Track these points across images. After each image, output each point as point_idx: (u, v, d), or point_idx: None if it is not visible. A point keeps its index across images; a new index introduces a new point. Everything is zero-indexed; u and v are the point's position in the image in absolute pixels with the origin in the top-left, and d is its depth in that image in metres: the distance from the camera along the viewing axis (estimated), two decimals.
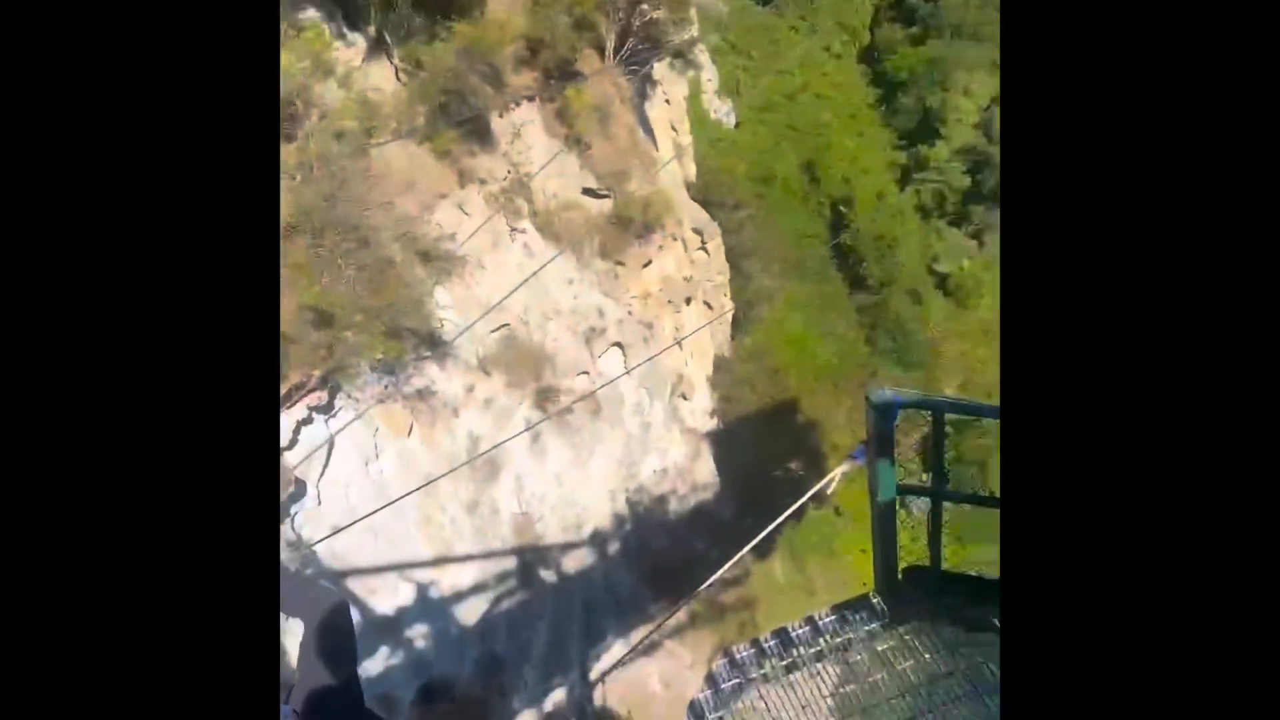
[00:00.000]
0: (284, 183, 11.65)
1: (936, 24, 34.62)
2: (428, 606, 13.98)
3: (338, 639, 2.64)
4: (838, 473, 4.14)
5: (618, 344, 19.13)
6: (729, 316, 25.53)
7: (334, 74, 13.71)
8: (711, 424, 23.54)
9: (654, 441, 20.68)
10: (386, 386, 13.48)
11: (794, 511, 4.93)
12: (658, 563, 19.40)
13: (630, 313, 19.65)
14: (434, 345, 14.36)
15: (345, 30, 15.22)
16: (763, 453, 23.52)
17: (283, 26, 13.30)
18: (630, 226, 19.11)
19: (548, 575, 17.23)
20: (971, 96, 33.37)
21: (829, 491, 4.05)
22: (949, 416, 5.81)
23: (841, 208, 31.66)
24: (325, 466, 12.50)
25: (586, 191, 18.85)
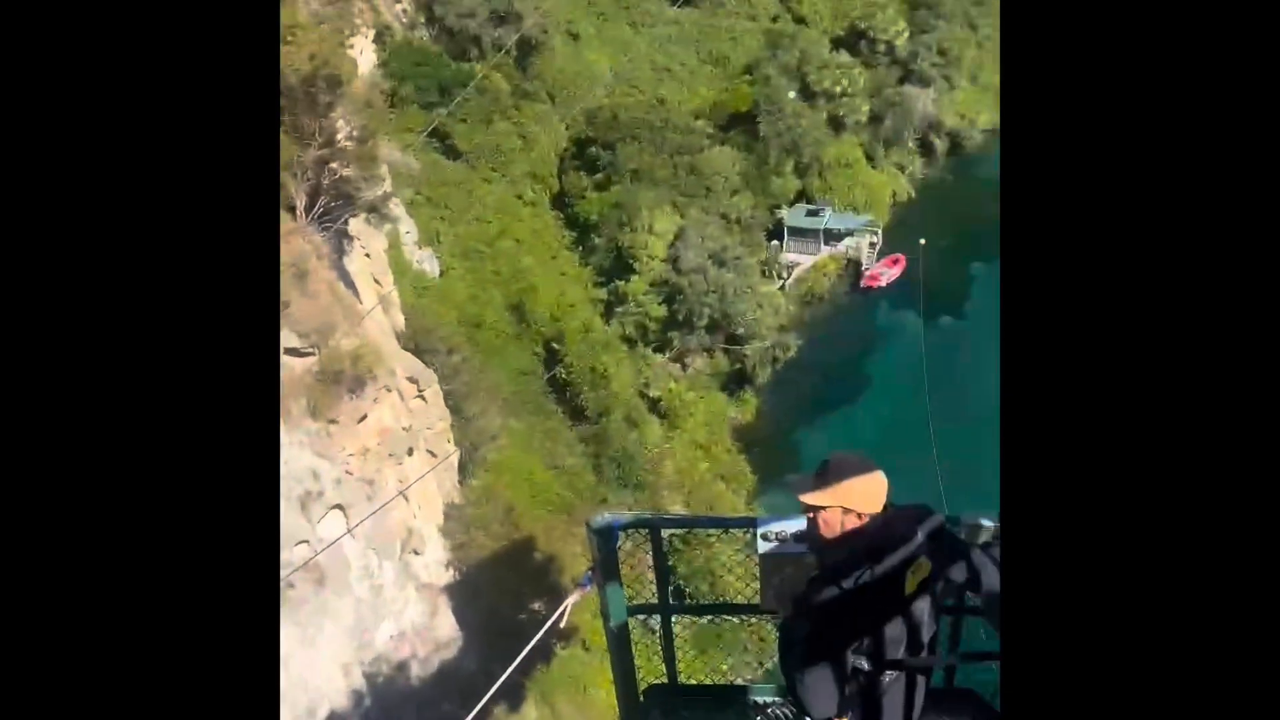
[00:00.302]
0: None
1: (617, 170, 37.57)
2: None
3: None
4: (568, 604, 4.20)
5: (338, 506, 18.15)
6: (454, 461, 25.17)
7: None
8: (448, 576, 22.75)
9: (388, 604, 19.58)
10: None
11: (538, 653, 4.90)
12: None
13: (349, 471, 18.80)
14: None
15: None
16: (504, 597, 22.99)
17: None
18: (341, 381, 18.52)
19: None
20: (657, 234, 36.28)
21: (562, 624, 4.09)
22: (675, 532, 6.04)
23: (553, 344, 32.74)
24: None
25: (289, 351, 18.11)
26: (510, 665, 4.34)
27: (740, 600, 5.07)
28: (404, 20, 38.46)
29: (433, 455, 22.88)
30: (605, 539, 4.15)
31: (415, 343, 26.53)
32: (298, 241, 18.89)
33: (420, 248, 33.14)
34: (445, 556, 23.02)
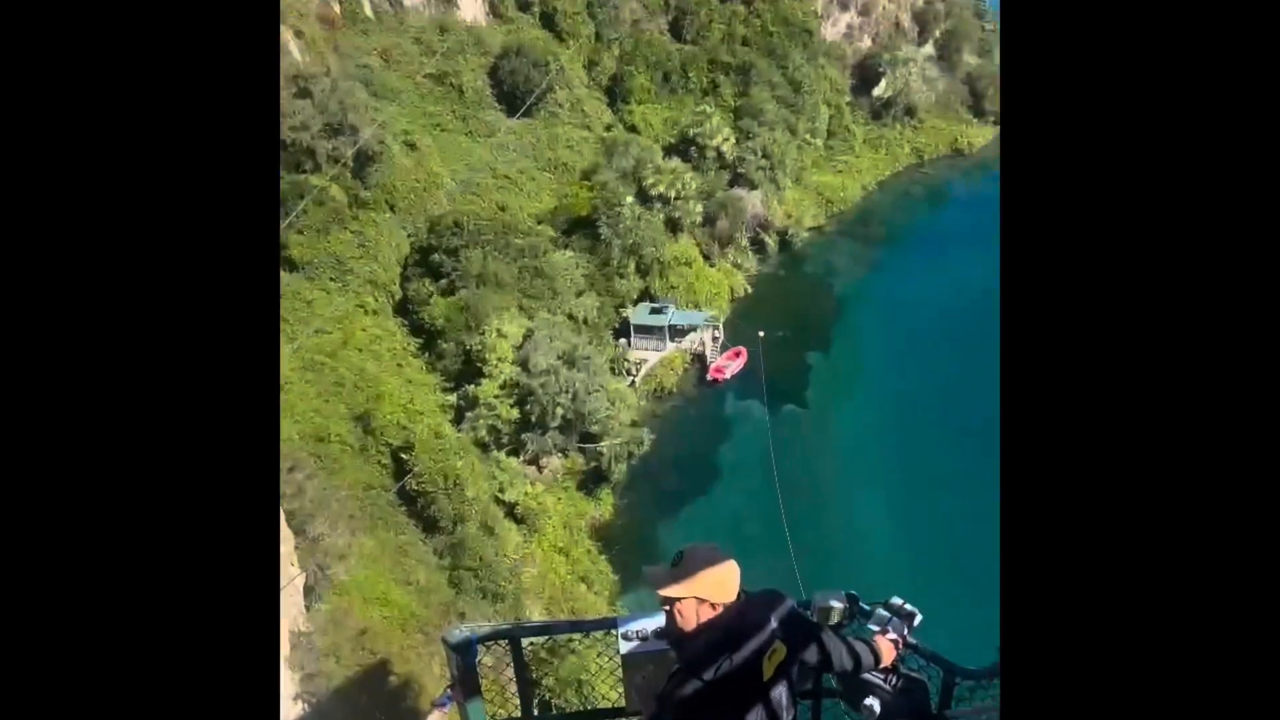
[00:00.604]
0: None
1: (462, 275, 37.61)
2: None
3: None
4: None
5: None
6: (299, 585, 23.78)
7: None
8: (297, 710, 21.23)
9: None
10: None
11: None
12: None
13: None
14: None
15: None
16: None
17: None
18: None
19: None
20: (506, 336, 36.30)
21: None
22: (539, 642, 5.93)
23: (402, 454, 31.81)
24: None
25: None
26: None
27: (608, 706, 4.99)
28: None
29: None
30: (464, 654, 4.04)
31: None
32: None
33: None
34: (293, 690, 21.50)
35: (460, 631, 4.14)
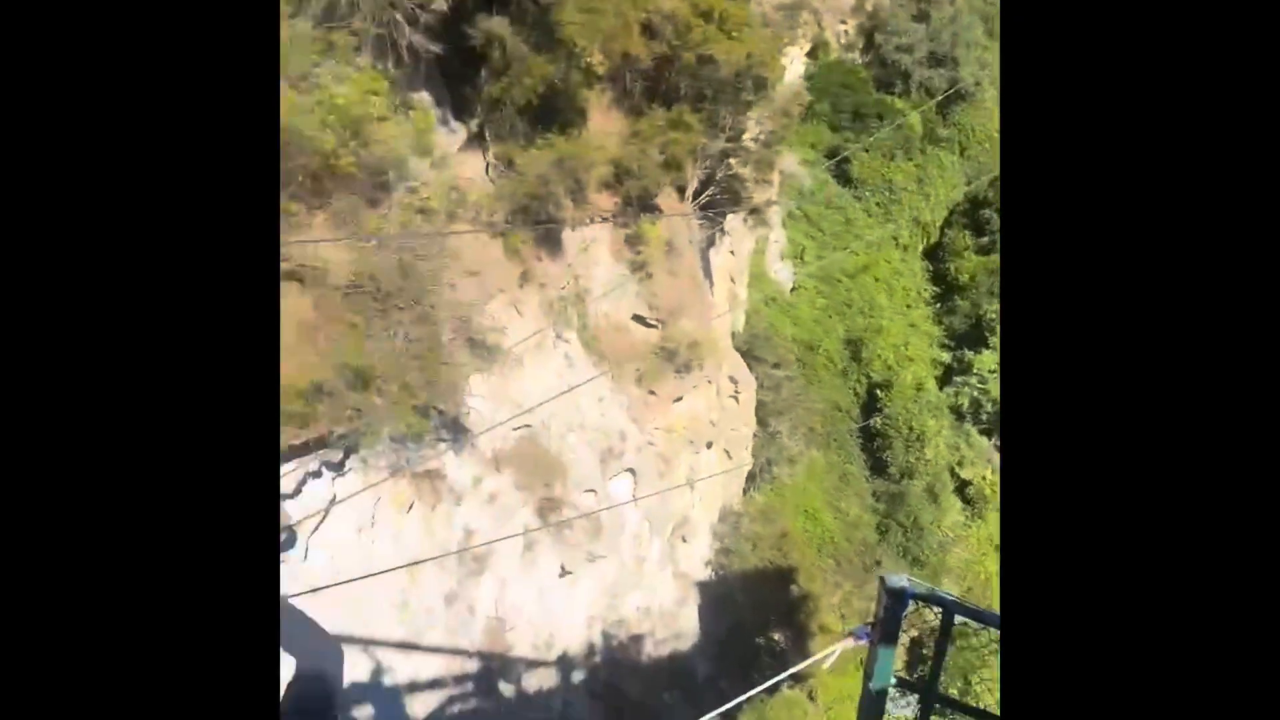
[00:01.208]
0: (359, 246, 12.10)
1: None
2: (380, 688, 13.59)
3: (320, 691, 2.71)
4: (839, 647, 4.08)
5: (631, 470, 19.09)
6: (745, 470, 25.45)
7: (430, 155, 14.39)
8: (705, 573, 23.13)
9: (645, 577, 20.32)
10: (401, 460, 13.53)
11: (771, 683, 4.81)
12: (620, 705, 18.73)
13: (651, 443, 19.68)
14: (457, 431, 14.44)
15: (450, 118, 16.06)
16: (751, 615, 22.97)
17: (394, 102, 14.05)
18: (672, 360, 19.39)
19: (507, 688, 16.70)
20: None
21: (826, 667, 3.99)
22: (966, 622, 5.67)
23: (878, 391, 31.88)
24: (320, 524, 12.45)
25: (636, 318, 19.25)
26: (746, 693, 4.31)
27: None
28: (842, 41, 39.02)
29: (728, 456, 23.29)
30: (897, 601, 3.99)
31: (747, 346, 27.08)
32: (677, 222, 19.96)
33: (782, 259, 33.66)
34: (709, 555, 23.39)
35: (898, 579, 4.09)
